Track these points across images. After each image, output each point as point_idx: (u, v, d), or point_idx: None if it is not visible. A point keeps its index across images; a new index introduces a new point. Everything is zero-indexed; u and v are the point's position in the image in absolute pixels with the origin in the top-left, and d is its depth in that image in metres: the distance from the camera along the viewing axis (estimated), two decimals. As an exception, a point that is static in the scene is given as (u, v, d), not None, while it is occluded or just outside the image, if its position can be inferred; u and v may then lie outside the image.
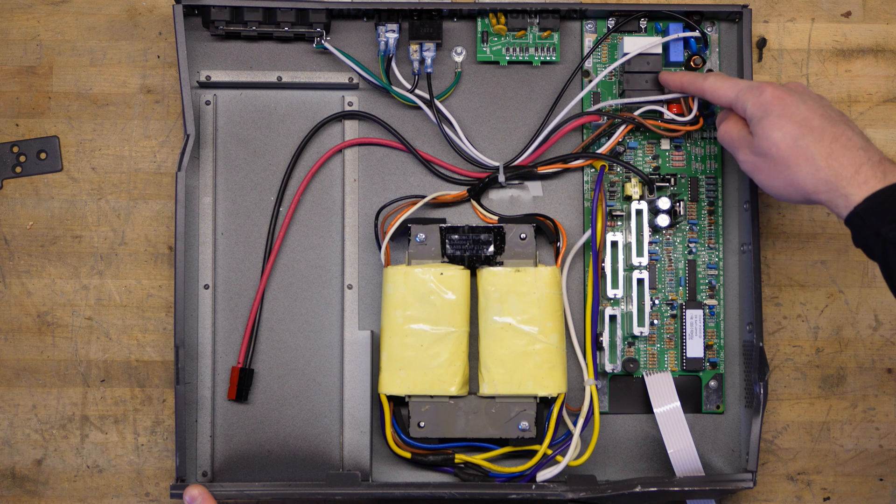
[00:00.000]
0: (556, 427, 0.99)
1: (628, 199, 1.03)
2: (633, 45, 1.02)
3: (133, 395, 1.03)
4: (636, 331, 1.00)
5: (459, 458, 1.00)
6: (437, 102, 1.03)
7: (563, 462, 0.98)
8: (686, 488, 0.96)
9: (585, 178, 1.04)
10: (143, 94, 1.05)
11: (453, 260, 1.00)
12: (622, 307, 1.02)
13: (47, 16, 1.06)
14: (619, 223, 1.03)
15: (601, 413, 1.02)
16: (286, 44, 1.04)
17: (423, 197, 1.02)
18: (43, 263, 1.04)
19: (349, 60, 1.02)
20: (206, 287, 1.02)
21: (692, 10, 1.03)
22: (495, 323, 0.99)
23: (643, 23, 1.04)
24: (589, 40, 1.05)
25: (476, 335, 1.01)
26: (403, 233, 1.01)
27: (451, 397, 0.99)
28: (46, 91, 1.05)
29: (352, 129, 1.04)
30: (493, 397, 0.99)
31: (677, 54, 1.03)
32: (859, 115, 1.06)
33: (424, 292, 0.98)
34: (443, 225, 1.00)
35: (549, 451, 0.99)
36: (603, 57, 1.05)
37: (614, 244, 1.02)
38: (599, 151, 1.03)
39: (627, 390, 1.03)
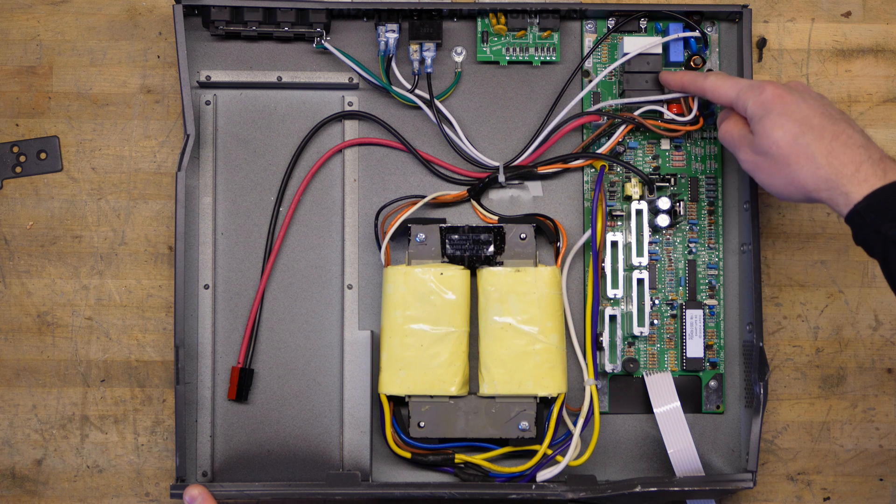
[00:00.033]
0: (556, 427, 0.99)
1: (628, 199, 1.03)
2: (633, 45, 1.02)
3: (133, 395, 1.03)
4: (636, 331, 1.00)
5: (459, 458, 1.00)
6: (437, 102, 1.03)
7: (563, 462, 0.98)
8: (686, 488, 0.96)
9: (585, 178, 1.04)
10: (143, 94, 1.05)
11: (453, 260, 1.00)
12: (622, 307, 1.02)
13: (47, 16, 1.06)
14: (619, 223, 1.03)
15: (601, 413, 1.02)
16: (286, 44, 1.04)
17: (423, 197, 1.02)
18: (43, 263, 1.04)
19: (349, 60, 1.02)
20: (206, 287, 1.02)
21: (692, 10, 1.03)
22: (495, 323, 0.99)
23: (643, 23, 1.04)
24: (589, 40, 1.05)
25: (476, 335, 1.01)
26: (403, 233, 1.01)
27: (451, 397, 0.99)
28: (46, 91, 1.05)
29: (352, 129, 1.04)
30: (493, 397, 0.99)
31: (677, 54, 1.03)
32: (859, 115, 1.06)
33: (424, 292, 0.98)
34: (443, 225, 1.00)
35: (549, 451, 0.99)
36: (603, 57, 1.05)
37: (614, 244, 1.02)
38: (599, 151, 1.03)
39: (627, 390, 1.03)
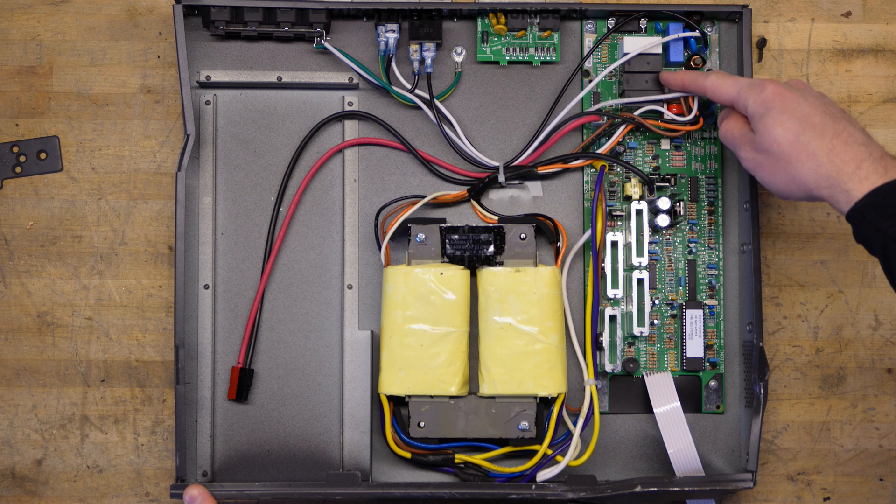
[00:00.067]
0: (556, 427, 0.99)
1: (628, 199, 1.03)
2: (633, 45, 1.02)
3: (133, 395, 1.03)
4: (636, 331, 1.00)
5: (459, 458, 1.00)
6: (437, 102, 1.03)
7: (563, 462, 0.98)
8: (686, 488, 0.96)
9: (585, 178, 1.04)
10: (143, 94, 1.05)
11: (453, 260, 1.00)
12: (622, 307, 1.02)
13: (47, 16, 1.06)
14: (619, 223, 1.03)
15: (601, 413, 1.02)
16: (286, 44, 1.04)
17: (423, 197, 1.02)
18: (43, 263, 1.04)
19: (349, 60, 1.02)
20: (206, 287, 1.02)
21: (692, 10, 1.03)
22: (495, 323, 0.99)
23: (643, 23, 1.04)
24: (589, 40, 1.05)
25: (476, 335, 1.01)
26: (403, 233, 1.01)
27: (451, 397, 0.99)
28: (46, 91, 1.05)
29: (352, 129, 1.04)
30: (493, 397, 0.99)
31: (677, 54, 1.03)
32: (859, 115, 1.06)
33: (424, 292, 0.98)
34: (443, 225, 1.00)
35: (549, 451, 0.99)
36: (603, 57, 1.05)
37: (614, 244, 1.02)
38: (599, 151, 1.03)
39: (627, 390, 1.03)
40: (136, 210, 1.04)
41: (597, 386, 1.01)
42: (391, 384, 0.98)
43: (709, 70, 1.03)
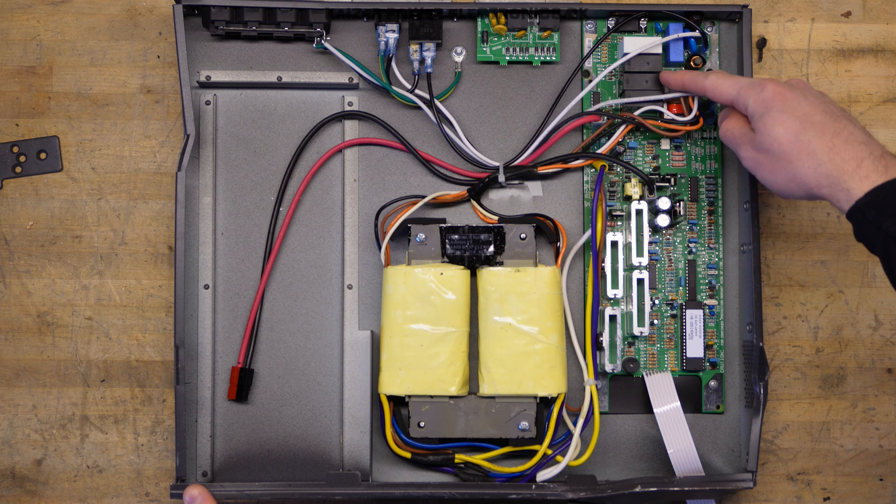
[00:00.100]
0: (556, 427, 0.99)
1: (628, 199, 1.03)
2: (633, 45, 1.02)
3: (133, 395, 1.03)
4: (636, 331, 1.00)
5: (459, 458, 1.00)
6: (437, 102, 1.03)
7: (563, 462, 0.98)
8: (686, 488, 0.96)
9: (585, 178, 1.04)
10: (143, 94, 1.05)
11: (453, 260, 1.00)
12: (622, 307, 1.02)
13: (47, 16, 1.06)
14: (619, 223, 1.03)
15: (601, 413, 1.02)
16: (286, 44, 1.04)
17: (423, 197, 1.02)
18: (43, 263, 1.04)
19: (349, 60, 1.02)
20: (206, 287, 1.02)
21: (692, 10, 1.03)
22: (495, 323, 0.99)
23: (643, 23, 1.04)
24: (589, 40, 1.05)
25: (476, 335, 1.01)
26: (403, 233, 1.01)
27: (451, 397, 0.99)
28: (46, 91, 1.05)
29: (352, 129, 1.04)
30: (493, 397, 0.99)
31: (677, 54, 1.03)
32: (859, 115, 1.06)
33: (424, 292, 0.98)
34: (443, 225, 1.00)
35: (549, 451, 0.99)
36: (603, 57, 1.05)
37: (614, 244, 1.02)
38: (599, 151, 1.03)
39: (627, 390, 1.03)
40: (136, 210, 1.04)
41: (597, 386, 1.01)
42: (391, 384, 0.98)
43: (709, 70, 1.03)
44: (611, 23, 1.04)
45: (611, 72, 1.04)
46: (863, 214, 0.84)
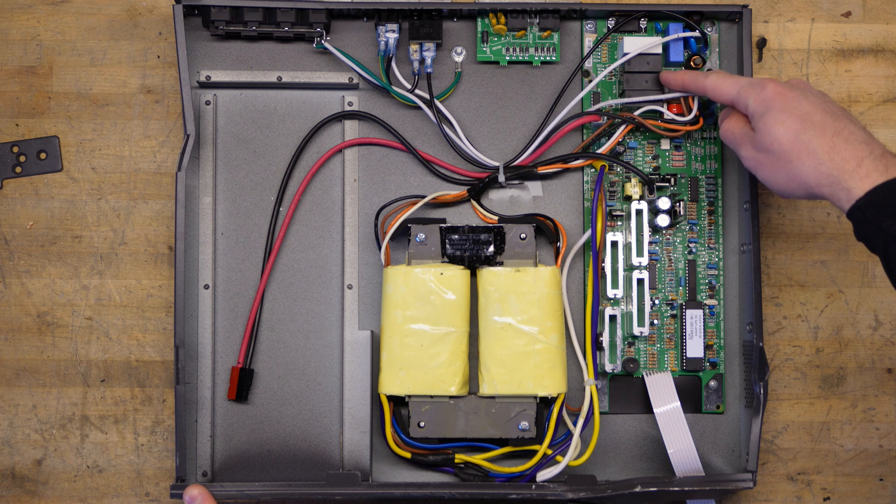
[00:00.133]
0: (556, 427, 0.99)
1: (628, 199, 1.03)
2: (633, 45, 1.02)
3: (133, 395, 1.03)
4: (636, 331, 1.00)
5: (459, 458, 1.00)
6: (437, 102, 1.03)
7: (563, 462, 0.98)
8: (686, 488, 0.96)
9: (585, 178, 1.04)
10: (143, 94, 1.05)
11: (453, 260, 1.00)
12: (622, 307, 1.02)
13: (47, 16, 1.06)
14: (619, 223, 1.03)
15: (601, 413, 1.02)
16: (286, 44, 1.04)
17: (423, 197, 1.02)
18: (43, 263, 1.04)
19: (349, 60, 1.02)
20: (206, 287, 1.02)
21: (692, 10, 1.03)
22: (495, 323, 0.99)
23: (643, 23, 1.04)
24: (589, 40, 1.05)
25: (476, 335, 1.01)
26: (403, 233, 1.01)
27: (451, 397, 0.99)
28: (46, 91, 1.05)
29: (352, 129, 1.04)
30: (493, 397, 0.99)
31: (677, 54, 1.03)
32: (859, 115, 1.06)
33: (424, 292, 0.98)
34: (443, 225, 1.00)
35: (549, 451, 0.99)
36: (603, 57, 1.05)
37: (614, 244, 1.02)
38: (599, 151, 1.03)
39: (627, 390, 1.03)
40: (136, 210, 1.04)
41: (597, 386, 1.01)
42: (391, 384, 0.98)
43: (709, 70, 1.03)
44: (611, 23, 1.04)
45: (611, 72, 1.04)
46: (863, 214, 0.84)
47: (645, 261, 1.01)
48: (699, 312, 1.02)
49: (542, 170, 1.02)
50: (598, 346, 1.01)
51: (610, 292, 1.01)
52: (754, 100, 0.90)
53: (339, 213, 1.04)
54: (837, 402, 1.04)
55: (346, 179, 1.03)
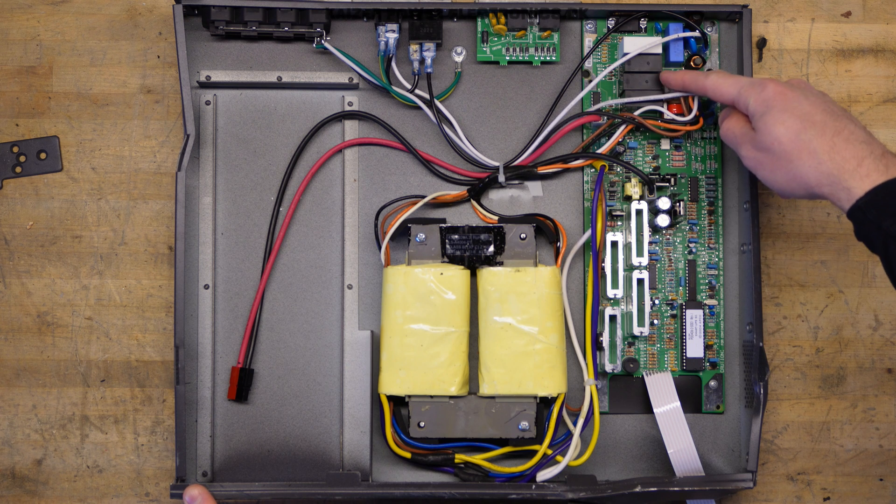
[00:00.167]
0: (556, 427, 0.99)
1: (628, 199, 1.03)
2: (633, 45, 1.02)
3: (133, 395, 1.03)
4: (636, 331, 1.00)
5: (459, 458, 1.00)
6: (437, 102, 1.03)
7: (563, 462, 0.98)
8: (686, 488, 0.96)
9: (585, 178, 1.04)
10: (143, 94, 1.05)
11: (453, 260, 1.00)
12: (622, 307, 1.02)
13: (47, 16, 1.06)
14: (619, 223, 1.03)
15: (601, 413, 1.02)
16: (286, 44, 1.04)
17: (423, 197, 1.02)
18: (43, 263, 1.04)
19: (349, 60, 1.02)
20: (206, 287, 1.02)
21: (692, 10, 1.03)
22: (495, 323, 0.99)
23: (643, 23, 1.04)
24: (589, 40, 1.05)
25: (476, 335, 1.01)
26: (403, 233, 1.01)
27: (451, 397, 0.99)
28: (46, 91, 1.05)
29: (352, 129, 1.04)
30: (493, 397, 0.99)
31: (677, 54, 1.03)
32: (859, 115, 1.06)
33: (424, 292, 0.98)
34: (443, 225, 1.00)
35: (549, 451, 0.99)
36: (603, 57, 1.05)
37: (614, 244, 1.02)
38: (599, 151, 1.03)
39: (627, 390, 1.03)
40: (136, 210, 1.04)
41: (597, 386, 1.01)
42: (391, 384, 0.98)
43: (709, 70, 1.03)
44: (611, 23, 1.04)
45: (611, 72, 1.04)
46: (863, 213, 0.84)
47: (645, 261, 1.01)
48: (699, 312, 1.02)
49: (542, 170, 1.02)
50: (598, 346, 1.01)
51: (610, 292, 1.01)
52: (755, 99, 0.90)
53: (339, 213, 1.04)
54: (837, 402, 1.04)
55: (346, 179, 1.03)
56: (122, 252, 1.04)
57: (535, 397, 0.98)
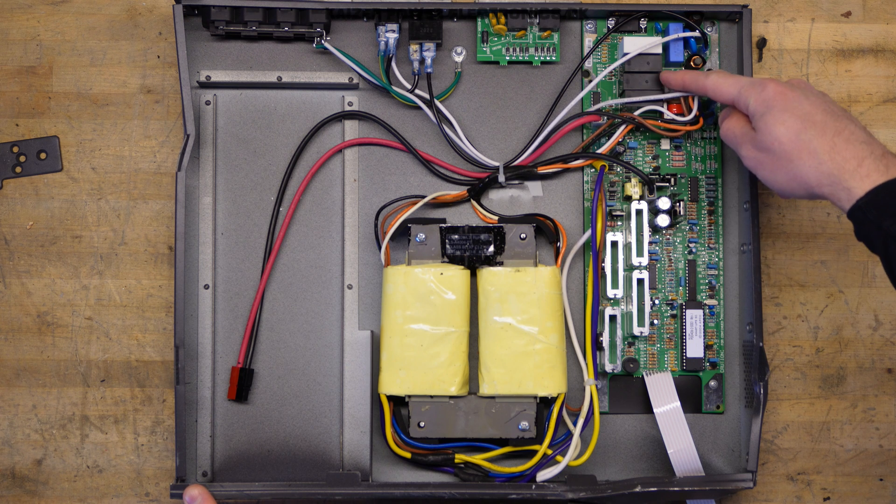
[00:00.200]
0: (556, 427, 0.99)
1: (628, 199, 1.03)
2: (633, 45, 1.02)
3: (133, 395, 1.03)
4: (636, 331, 1.00)
5: (459, 458, 1.00)
6: (437, 102, 1.03)
7: (563, 462, 0.98)
8: (686, 488, 0.96)
9: (585, 178, 1.04)
10: (143, 94, 1.05)
11: (453, 260, 1.00)
12: (622, 307, 1.02)
13: (47, 16, 1.06)
14: (619, 223, 1.03)
15: (601, 413, 1.02)
16: (286, 44, 1.04)
17: (423, 197, 1.02)
18: (43, 263, 1.04)
19: (349, 60, 1.02)
20: (206, 287, 1.02)
21: (692, 10, 1.03)
22: (495, 323, 0.99)
23: (643, 23, 1.04)
24: (589, 40, 1.05)
25: (476, 335, 1.01)
26: (403, 233, 1.01)
27: (451, 397, 0.99)
28: (46, 91, 1.05)
29: (352, 129, 1.04)
30: (493, 397, 0.99)
31: (677, 54, 1.03)
32: (859, 115, 1.06)
33: (424, 292, 0.98)
34: (443, 225, 1.00)
35: (549, 451, 0.99)
36: (603, 57, 1.05)
37: (614, 244, 1.02)
38: (599, 151, 1.03)
39: (627, 390, 1.03)
40: (136, 210, 1.04)
41: (597, 386, 1.01)
42: (391, 384, 0.98)
43: (709, 70, 1.03)
44: (611, 23, 1.04)
45: (611, 72, 1.04)
46: (864, 213, 0.84)
47: (645, 261, 1.01)
48: (699, 312, 1.02)
49: (542, 170, 1.02)
50: (598, 346, 1.01)
51: (610, 292, 1.01)
52: (755, 99, 0.90)
53: (339, 213, 1.04)
54: (837, 402, 1.04)
55: (346, 179, 1.03)
56: (122, 252, 1.04)
57: (535, 397, 0.98)
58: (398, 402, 1.00)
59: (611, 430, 1.03)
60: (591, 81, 1.03)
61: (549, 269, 0.99)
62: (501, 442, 1.00)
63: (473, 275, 1.01)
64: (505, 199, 1.04)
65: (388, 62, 1.03)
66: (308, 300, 1.03)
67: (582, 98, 1.02)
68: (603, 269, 1.01)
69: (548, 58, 1.04)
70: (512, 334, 0.98)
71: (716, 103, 1.03)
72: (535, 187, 1.04)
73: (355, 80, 1.04)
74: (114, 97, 1.05)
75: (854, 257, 1.05)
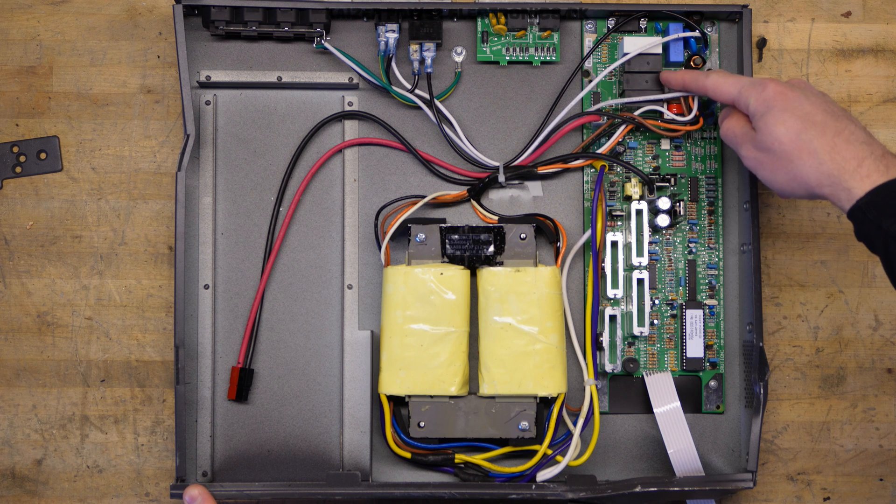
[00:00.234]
0: (556, 427, 0.99)
1: (628, 199, 1.03)
2: (633, 45, 1.02)
3: (133, 395, 1.03)
4: (636, 331, 1.00)
5: (459, 458, 1.00)
6: (437, 102, 1.03)
7: (563, 462, 0.98)
8: (686, 488, 0.96)
9: (585, 178, 1.04)
10: (143, 94, 1.05)
11: (453, 260, 1.00)
12: (622, 307, 1.02)
13: (47, 16, 1.06)
14: (619, 223, 1.03)
15: (601, 413, 1.02)
16: (286, 44, 1.04)
17: (423, 197, 1.02)
18: (43, 263, 1.04)
19: (349, 60, 1.02)
20: (206, 287, 1.02)
21: (692, 10, 1.03)
22: (495, 323, 0.99)
23: (643, 23, 1.04)
24: (589, 40, 1.05)
25: (476, 335, 1.01)
26: (403, 233, 1.01)
27: (451, 397, 0.99)
28: (46, 91, 1.05)
29: (352, 129, 1.04)
30: (493, 397, 0.99)
31: (677, 54, 1.03)
32: (859, 115, 1.06)
33: (424, 292, 0.98)
34: (443, 225, 1.00)
35: (549, 451, 0.99)
36: (603, 57, 1.05)
37: (614, 244, 1.02)
38: (599, 151, 1.03)
39: (627, 390, 1.03)
40: (136, 210, 1.04)
41: (597, 386, 1.01)
42: (391, 384, 0.98)
43: (709, 70, 1.03)
44: (611, 23, 1.04)
45: (611, 72, 1.04)
46: (864, 214, 0.84)
47: (645, 261, 1.01)
48: (699, 312, 1.02)
49: (542, 170, 1.02)
50: (598, 346, 1.01)
51: (610, 292, 1.01)
52: (755, 99, 0.90)
53: (339, 213, 1.04)
54: (837, 402, 1.04)
55: (346, 179, 1.03)
56: (122, 252, 1.04)
57: (535, 397, 0.98)
58: (398, 402, 1.00)
59: (611, 430, 1.03)
60: (591, 81, 1.03)
61: (549, 269, 0.99)
62: (501, 442, 1.00)
63: (473, 275, 1.01)
64: (505, 199, 1.04)
65: (388, 62, 1.03)
66: (308, 300, 1.03)
67: (582, 98, 1.02)
68: (603, 269, 1.01)
69: (548, 58, 1.04)
70: (512, 334, 0.98)
71: (716, 103, 1.03)
72: (535, 187, 1.04)
73: (355, 80, 1.04)
74: (114, 97, 1.05)
75: (854, 257, 1.05)
